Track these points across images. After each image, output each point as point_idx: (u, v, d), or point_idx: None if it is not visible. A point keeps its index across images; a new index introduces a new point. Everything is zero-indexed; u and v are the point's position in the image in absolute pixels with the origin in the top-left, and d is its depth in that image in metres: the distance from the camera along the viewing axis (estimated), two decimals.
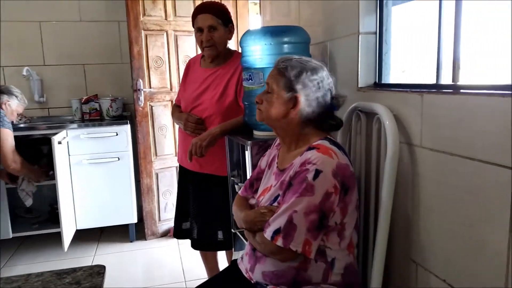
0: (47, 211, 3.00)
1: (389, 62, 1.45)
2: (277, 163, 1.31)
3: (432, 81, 1.21)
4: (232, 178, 1.80)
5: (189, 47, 3.01)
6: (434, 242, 1.14)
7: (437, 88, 1.15)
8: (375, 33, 1.44)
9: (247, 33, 1.65)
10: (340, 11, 1.57)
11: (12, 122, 2.54)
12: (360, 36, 1.43)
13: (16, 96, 2.54)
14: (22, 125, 2.85)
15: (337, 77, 1.59)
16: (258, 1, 3.55)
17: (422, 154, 1.15)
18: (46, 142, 2.78)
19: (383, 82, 1.45)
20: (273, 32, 1.59)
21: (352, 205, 1.16)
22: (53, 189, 2.57)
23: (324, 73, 1.21)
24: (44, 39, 3.08)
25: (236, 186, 1.76)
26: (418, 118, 1.16)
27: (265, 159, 1.42)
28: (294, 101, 1.18)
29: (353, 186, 1.16)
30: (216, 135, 1.74)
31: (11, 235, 2.70)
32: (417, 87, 1.22)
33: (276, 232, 1.11)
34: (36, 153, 2.90)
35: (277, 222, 1.12)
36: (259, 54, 1.58)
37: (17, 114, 2.60)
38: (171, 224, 3.06)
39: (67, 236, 2.57)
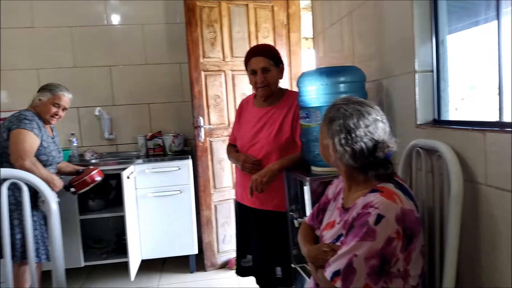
0: (114, 242, 3.19)
1: (448, 98, 1.46)
2: (342, 198, 1.32)
3: (495, 117, 1.20)
4: (290, 213, 1.84)
5: (245, 85, 3.13)
6: (503, 283, 1.10)
7: (499, 126, 1.15)
8: (432, 71, 1.46)
9: (304, 74, 1.73)
10: (395, 49, 1.61)
11: (56, 114, 2.37)
12: (416, 74, 1.46)
13: (50, 90, 2.37)
14: (93, 161, 3.11)
15: (394, 114, 1.62)
16: (311, 37, 3.67)
17: (487, 192, 1.14)
18: (115, 177, 3.00)
19: (442, 118, 1.45)
20: (328, 72, 1.66)
21: (416, 251, 1.14)
22: (120, 220, 2.74)
23: (366, 121, 1.16)
24: (114, 82, 3.37)
25: (295, 221, 1.80)
26: (482, 156, 1.15)
27: (331, 189, 1.43)
28: (330, 147, 1.21)
29: (417, 233, 1.14)
30: (276, 171, 1.80)
31: (82, 264, 2.90)
32: (478, 124, 1.22)
33: (336, 274, 1.12)
34: (106, 186, 3.13)
35: (337, 264, 1.12)
36: (315, 93, 1.65)
37: (54, 104, 2.36)
38: (229, 255, 3.13)
39: (134, 266, 2.72)
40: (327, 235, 1.30)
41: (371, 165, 1.19)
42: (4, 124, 2.26)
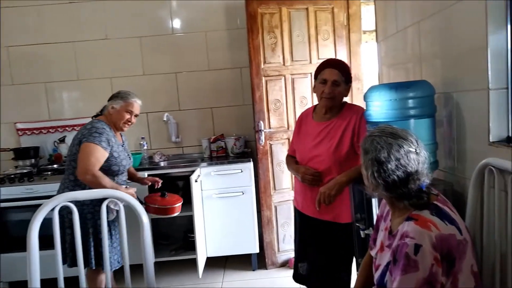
0: (181, 238, 3.39)
1: None
2: (390, 220, 1.35)
3: None
4: (357, 224, 1.88)
5: (305, 88, 3.20)
6: None
7: None
8: (507, 88, 1.43)
9: (372, 89, 1.75)
10: (467, 63, 1.58)
11: (129, 121, 2.41)
12: (490, 92, 1.44)
13: (122, 97, 2.40)
14: (162, 164, 3.32)
15: (465, 129, 1.61)
16: (369, 30, 3.63)
17: None
18: (182, 178, 3.20)
19: None
20: (397, 88, 1.67)
21: (464, 273, 1.16)
22: (185, 218, 2.88)
23: (397, 154, 1.20)
24: (179, 87, 3.56)
25: (361, 232, 1.84)
26: None
27: (382, 206, 1.47)
28: (366, 177, 1.29)
29: (462, 255, 1.16)
30: (344, 183, 1.84)
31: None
32: None
33: None
34: (174, 187, 3.33)
35: None
36: (384, 108, 1.67)
37: (127, 111, 2.39)
38: (289, 255, 3.23)
39: (201, 263, 2.89)
40: (380, 259, 1.35)
41: (405, 195, 1.23)
42: (77, 136, 2.31)
